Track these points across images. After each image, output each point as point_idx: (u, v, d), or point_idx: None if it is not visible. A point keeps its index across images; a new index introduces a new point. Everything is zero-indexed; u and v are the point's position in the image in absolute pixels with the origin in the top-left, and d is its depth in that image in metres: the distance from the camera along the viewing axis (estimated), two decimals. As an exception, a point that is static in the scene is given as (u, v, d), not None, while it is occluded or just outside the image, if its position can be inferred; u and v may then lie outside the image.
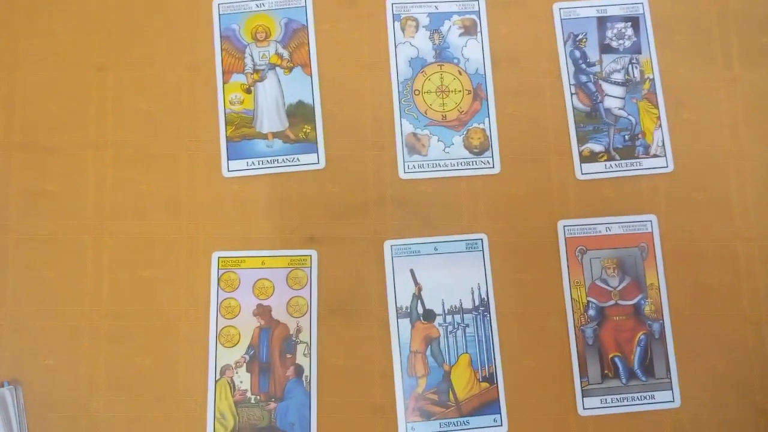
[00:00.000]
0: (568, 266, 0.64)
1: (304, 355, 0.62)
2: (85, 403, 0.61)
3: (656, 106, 0.67)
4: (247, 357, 0.62)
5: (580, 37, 0.68)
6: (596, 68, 0.68)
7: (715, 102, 0.68)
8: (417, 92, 0.67)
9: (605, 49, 0.68)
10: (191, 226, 0.64)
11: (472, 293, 0.63)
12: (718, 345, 0.63)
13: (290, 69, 0.67)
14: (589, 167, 0.66)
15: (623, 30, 0.69)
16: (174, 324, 0.62)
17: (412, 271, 0.63)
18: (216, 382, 0.61)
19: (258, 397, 0.61)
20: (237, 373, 0.61)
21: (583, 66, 0.68)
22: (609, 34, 0.69)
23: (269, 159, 0.65)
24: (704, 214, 0.66)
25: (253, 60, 0.67)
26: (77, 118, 0.65)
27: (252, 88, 0.66)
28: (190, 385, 0.61)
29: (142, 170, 0.65)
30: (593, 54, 0.68)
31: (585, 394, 0.62)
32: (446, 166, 0.65)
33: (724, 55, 0.68)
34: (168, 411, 0.61)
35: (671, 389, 0.62)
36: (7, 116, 0.65)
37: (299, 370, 0.62)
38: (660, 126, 0.67)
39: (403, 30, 0.68)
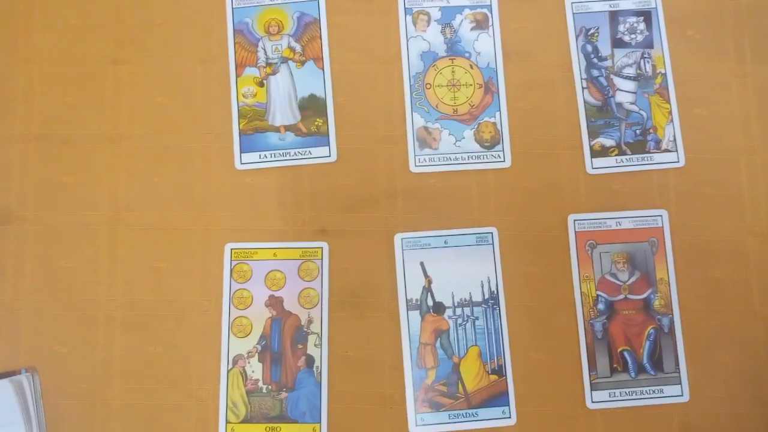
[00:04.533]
0: (578, 260, 0.64)
1: (315, 345, 0.63)
2: (100, 390, 0.62)
3: (668, 101, 0.67)
4: (259, 347, 0.63)
5: (592, 31, 0.68)
6: (608, 62, 0.68)
7: (726, 97, 0.67)
8: (428, 86, 0.67)
9: (617, 43, 0.68)
10: (204, 218, 0.65)
11: (482, 286, 0.64)
12: (727, 340, 0.63)
13: (303, 62, 0.67)
14: (600, 162, 0.66)
15: (635, 24, 0.69)
16: (187, 314, 0.63)
17: (422, 264, 0.64)
18: (228, 371, 0.62)
19: (269, 387, 0.62)
20: (249, 362, 0.62)
21: (595, 60, 0.68)
22: (621, 28, 0.68)
23: (281, 152, 0.66)
24: (715, 209, 0.66)
25: (265, 53, 0.67)
26: (93, 111, 0.66)
27: (265, 81, 0.67)
28: (202, 374, 0.62)
29: (157, 162, 0.66)
30: (605, 48, 0.68)
31: (594, 387, 0.62)
32: (457, 159, 0.66)
33: (736, 51, 0.68)
34: (181, 399, 0.62)
35: (680, 384, 0.62)
36: (25, 109, 0.66)
37: (310, 361, 0.62)
38: (671, 121, 0.67)
39: (414, 24, 0.68)
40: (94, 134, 0.66)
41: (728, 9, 0.69)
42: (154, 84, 0.67)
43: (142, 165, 0.66)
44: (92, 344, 0.63)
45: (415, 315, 0.63)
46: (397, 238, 0.64)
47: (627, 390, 0.62)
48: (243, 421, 0.61)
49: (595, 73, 0.68)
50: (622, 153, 0.66)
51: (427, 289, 0.64)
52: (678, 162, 0.66)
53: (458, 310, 0.63)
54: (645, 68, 0.68)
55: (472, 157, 0.66)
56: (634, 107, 0.67)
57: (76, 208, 0.65)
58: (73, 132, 0.66)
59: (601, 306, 0.64)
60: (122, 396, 0.62)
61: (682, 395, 0.62)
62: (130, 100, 0.67)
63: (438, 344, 0.63)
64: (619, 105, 0.67)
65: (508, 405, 0.62)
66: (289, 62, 0.67)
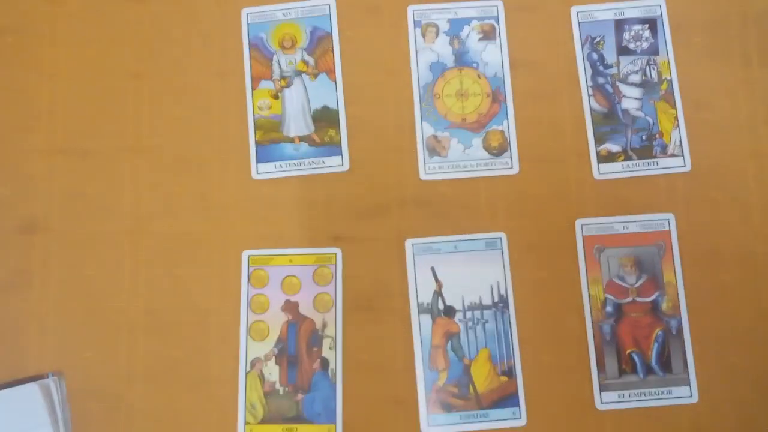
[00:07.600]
0: (585, 264, 0.65)
1: (330, 348, 0.64)
2: (123, 392, 0.65)
3: (674, 107, 0.68)
4: (276, 350, 0.65)
5: (597, 39, 0.70)
6: (613, 70, 0.69)
7: (733, 102, 0.68)
8: (437, 96, 0.69)
9: (623, 51, 0.70)
10: (222, 226, 0.67)
11: (492, 290, 0.65)
12: (735, 341, 0.64)
13: (315, 75, 0.69)
14: (606, 167, 0.67)
15: (641, 32, 0.70)
16: (207, 319, 0.65)
17: (432, 269, 0.65)
18: (246, 374, 0.64)
19: (286, 389, 0.64)
20: (266, 365, 0.64)
21: (601, 68, 0.69)
22: (626, 36, 0.70)
23: (296, 162, 0.68)
24: (722, 213, 0.66)
25: (280, 67, 0.70)
26: (115, 124, 0.69)
27: (279, 94, 0.69)
28: (221, 376, 0.64)
29: (176, 173, 0.68)
30: (610, 56, 0.69)
31: (603, 388, 0.63)
32: (466, 167, 0.67)
33: (742, 56, 0.69)
34: (201, 401, 0.64)
35: (689, 385, 0.63)
36: (49, 122, 0.69)
37: (325, 363, 0.64)
38: (677, 126, 0.68)
39: (423, 36, 0.70)
40: (116, 146, 0.68)
41: (734, 15, 0.70)
42: (173, 97, 0.69)
43: (162, 175, 0.68)
44: (115, 349, 0.65)
45: (426, 318, 0.65)
46: (408, 243, 0.66)
47: (636, 391, 0.63)
48: (261, 422, 0.63)
49: (601, 80, 0.69)
50: (628, 158, 0.67)
51: (438, 293, 0.65)
52: (684, 166, 0.67)
53: (468, 314, 0.65)
54: (650, 75, 0.69)
55: (480, 164, 0.67)
56: (640, 113, 0.68)
57: (99, 218, 0.67)
58: (95, 144, 0.69)
59: (609, 308, 0.65)
60: (144, 398, 0.64)
61: (690, 396, 0.63)
62: (150, 112, 0.69)
63: (449, 347, 0.64)
64: (625, 111, 0.68)
65: (519, 406, 0.63)
66: (303, 75, 0.69)
